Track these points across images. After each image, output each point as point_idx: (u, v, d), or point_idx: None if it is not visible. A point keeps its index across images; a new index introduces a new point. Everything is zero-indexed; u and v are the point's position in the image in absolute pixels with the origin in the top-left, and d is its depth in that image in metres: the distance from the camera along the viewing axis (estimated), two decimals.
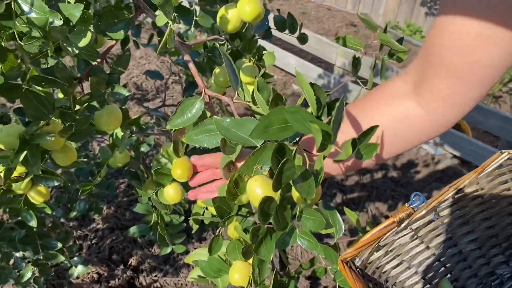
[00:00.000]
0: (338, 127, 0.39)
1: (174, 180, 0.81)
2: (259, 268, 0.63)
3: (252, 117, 0.54)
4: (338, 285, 0.73)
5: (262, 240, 0.44)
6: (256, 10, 0.60)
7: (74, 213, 1.08)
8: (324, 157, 0.45)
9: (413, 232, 0.66)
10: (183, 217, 1.08)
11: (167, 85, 1.02)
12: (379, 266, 0.68)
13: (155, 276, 1.50)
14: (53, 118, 0.63)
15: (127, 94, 0.66)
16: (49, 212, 0.79)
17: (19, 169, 0.70)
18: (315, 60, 2.97)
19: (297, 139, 0.47)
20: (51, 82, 0.57)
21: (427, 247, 0.70)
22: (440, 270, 0.74)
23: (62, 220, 1.49)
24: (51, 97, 0.62)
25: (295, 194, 0.51)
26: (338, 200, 1.87)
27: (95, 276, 1.45)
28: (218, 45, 0.76)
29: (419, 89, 0.54)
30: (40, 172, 0.70)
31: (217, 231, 0.91)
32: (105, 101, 0.68)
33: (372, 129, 0.38)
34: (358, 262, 0.64)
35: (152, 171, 0.81)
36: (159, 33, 0.87)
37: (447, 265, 0.74)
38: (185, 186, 0.85)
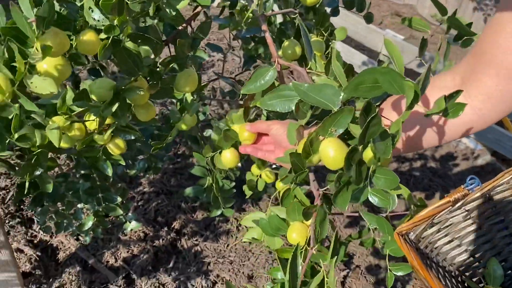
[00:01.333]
0: (424, 90, 0.43)
1: (232, 145, 0.87)
2: (320, 227, 0.68)
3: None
4: (389, 254, 0.77)
5: (341, 190, 0.48)
6: None
7: (133, 171, 1.16)
8: (402, 122, 0.49)
9: (466, 213, 0.70)
10: (234, 183, 1.14)
11: (225, 58, 1.08)
12: (431, 242, 0.72)
13: (196, 240, 1.58)
14: (140, 76, 0.70)
15: (206, 58, 0.71)
16: (123, 163, 0.86)
17: (106, 121, 0.77)
18: (358, 47, 2.97)
19: (379, 102, 0.52)
20: (146, 40, 0.63)
21: (479, 228, 0.73)
22: (490, 250, 0.77)
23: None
24: (141, 56, 0.68)
25: (367, 156, 0.55)
26: None
27: (142, 235, 1.54)
28: (290, 17, 0.80)
29: (466, 85, 0.55)
30: (121, 126, 0.77)
31: (273, 196, 0.96)
32: (185, 63, 0.73)
33: (458, 92, 0.42)
34: (412, 236, 0.68)
35: (216, 134, 0.87)
36: (230, 5, 0.92)
37: (496, 246, 0.77)
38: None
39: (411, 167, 2.03)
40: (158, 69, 0.69)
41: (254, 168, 1.11)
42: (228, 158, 0.84)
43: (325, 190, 0.74)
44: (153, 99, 0.75)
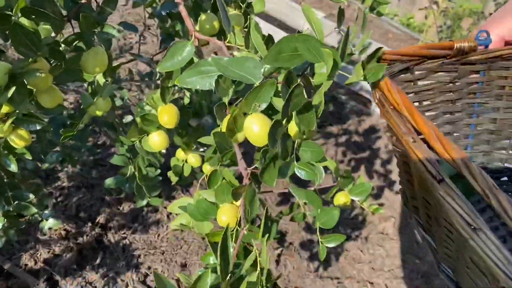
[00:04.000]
0: (343, 57, 0.41)
1: (159, 127, 0.81)
2: (250, 206, 0.66)
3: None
4: (320, 227, 0.77)
5: (267, 166, 0.46)
6: None
7: (46, 165, 1.06)
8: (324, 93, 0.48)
9: (456, 73, 0.63)
10: (159, 170, 1.09)
11: (141, 38, 1.01)
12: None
13: (124, 233, 1.50)
14: (40, 57, 0.62)
15: (116, 34, 0.65)
16: (29, 157, 0.77)
17: (3, 109, 0.68)
18: (281, 26, 2.98)
19: (301, 72, 0.49)
20: (42, 15, 0.55)
21: (460, 98, 0.67)
22: (462, 123, 0.71)
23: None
24: (39, 34, 0.60)
25: (292, 130, 0.53)
26: None
27: (63, 233, 1.44)
28: None
29: None
30: (23, 115, 0.69)
31: (200, 179, 0.93)
32: (92, 42, 0.67)
33: (377, 51, 0.41)
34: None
35: (138, 117, 0.81)
36: None
37: (467, 123, 0.71)
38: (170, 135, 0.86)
39: (337, 142, 2.08)
40: (60, 49, 0.61)
41: (179, 152, 1.06)
42: (156, 141, 0.79)
43: (253, 169, 0.71)
44: (60, 83, 0.68)
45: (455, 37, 3.15)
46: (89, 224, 1.47)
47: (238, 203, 0.74)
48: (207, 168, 1.00)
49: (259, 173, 0.46)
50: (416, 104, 0.65)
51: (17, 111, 0.69)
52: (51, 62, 0.65)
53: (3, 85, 0.58)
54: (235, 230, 0.71)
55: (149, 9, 1.12)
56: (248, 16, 0.75)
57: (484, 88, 0.67)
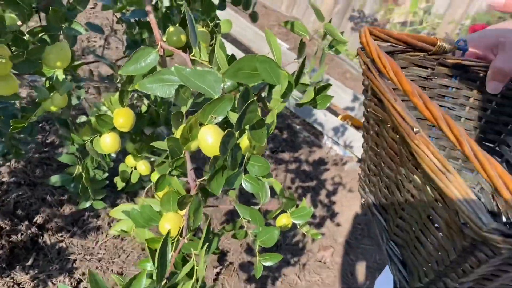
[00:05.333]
0: (298, 82, 0.45)
1: (113, 129, 0.82)
2: (194, 216, 0.67)
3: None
4: (260, 246, 0.79)
5: (215, 174, 0.48)
6: None
7: None
8: (277, 113, 0.51)
9: (431, 71, 0.68)
10: (106, 174, 1.08)
11: (106, 41, 1.01)
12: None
13: (61, 236, 1.45)
14: (2, 43, 0.62)
15: (83, 32, 0.66)
16: None
17: None
18: (246, 51, 3.05)
19: (257, 91, 0.53)
20: (11, 3, 0.56)
21: (430, 97, 0.70)
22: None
23: None
24: (4, 20, 0.60)
25: (243, 144, 0.56)
26: None
27: None
28: (176, 3, 0.78)
29: None
30: None
31: (147, 188, 0.93)
32: (58, 36, 0.67)
33: (328, 85, 0.45)
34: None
35: (93, 117, 0.81)
36: None
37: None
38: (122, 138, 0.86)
39: (287, 168, 2.13)
40: (25, 38, 0.62)
41: (129, 159, 1.06)
42: (107, 143, 0.79)
43: (202, 180, 0.73)
44: (17, 73, 0.68)
45: None
46: (26, 222, 1.42)
47: (182, 213, 0.75)
48: (156, 177, 1.01)
49: (207, 180, 0.48)
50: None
51: None
52: (12, 50, 0.65)
53: None
54: (176, 239, 0.72)
55: (118, 14, 1.13)
56: (215, 35, 0.79)
57: (453, 94, 0.73)
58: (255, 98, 0.52)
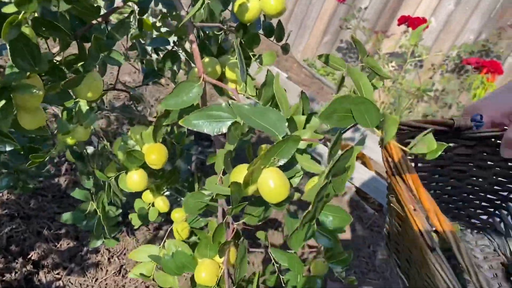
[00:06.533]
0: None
1: (143, 166, 0.76)
2: (240, 265, 0.61)
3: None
4: None
5: (297, 229, 0.43)
6: (280, 5, 0.61)
7: None
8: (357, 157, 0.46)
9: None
10: (120, 210, 1.01)
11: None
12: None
13: (58, 273, 1.35)
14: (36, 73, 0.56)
15: (123, 62, 0.61)
16: None
17: None
18: None
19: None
20: (55, 29, 0.50)
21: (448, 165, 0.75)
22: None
23: None
24: (39, 47, 0.55)
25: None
26: None
27: None
28: (213, 33, 0.74)
29: None
30: None
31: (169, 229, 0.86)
32: (94, 66, 0.62)
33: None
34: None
35: (121, 152, 0.75)
36: (140, 11, 0.82)
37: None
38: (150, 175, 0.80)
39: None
40: (62, 68, 0.56)
41: (147, 195, 0.99)
42: (134, 180, 0.73)
43: (238, 224, 0.67)
44: (47, 104, 0.62)
45: (396, 112, 3.35)
46: (20, 259, 1.32)
47: (220, 260, 0.69)
48: (176, 216, 0.94)
49: (288, 235, 0.43)
50: (412, 164, 0.72)
51: None
52: (44, 80, 0.60)
53: None
54: None
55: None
56: (267, 69, 0.74)
57: (468, 159, 0.75)
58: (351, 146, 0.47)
